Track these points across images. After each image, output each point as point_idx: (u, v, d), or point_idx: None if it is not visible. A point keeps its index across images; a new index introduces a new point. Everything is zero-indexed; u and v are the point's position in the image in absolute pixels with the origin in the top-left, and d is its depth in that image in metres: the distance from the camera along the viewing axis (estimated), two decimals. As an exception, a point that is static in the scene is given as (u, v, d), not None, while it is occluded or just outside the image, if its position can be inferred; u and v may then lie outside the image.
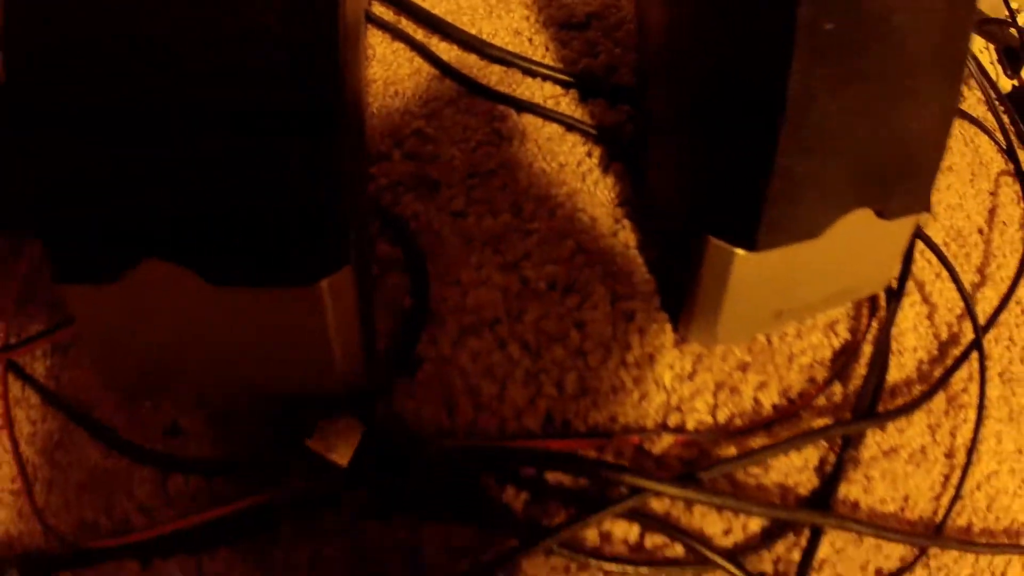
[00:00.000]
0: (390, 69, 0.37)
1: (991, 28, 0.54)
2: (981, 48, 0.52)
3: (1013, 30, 0.51)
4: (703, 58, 0.27)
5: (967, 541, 0.30)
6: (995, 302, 0.36)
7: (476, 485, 0.26)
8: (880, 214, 0.26)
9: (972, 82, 0.48)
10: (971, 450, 0.31)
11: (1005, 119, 0.48)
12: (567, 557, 0.25)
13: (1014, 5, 0.54)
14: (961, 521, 0.31)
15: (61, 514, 0.26)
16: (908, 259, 0.34)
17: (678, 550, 0.27)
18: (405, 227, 0.31)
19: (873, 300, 0.33)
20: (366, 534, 0.25)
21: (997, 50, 0.53)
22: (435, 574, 0.25)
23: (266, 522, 0.25)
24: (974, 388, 0.33)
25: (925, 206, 0.27)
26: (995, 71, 0.52)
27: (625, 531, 0.26)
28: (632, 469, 0.27)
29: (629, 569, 0.25)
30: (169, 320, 0.22)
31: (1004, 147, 0.47)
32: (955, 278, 0.34)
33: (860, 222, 0.26)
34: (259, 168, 0.20)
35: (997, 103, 0.49)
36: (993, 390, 0.34)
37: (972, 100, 0.47)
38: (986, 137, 0.46)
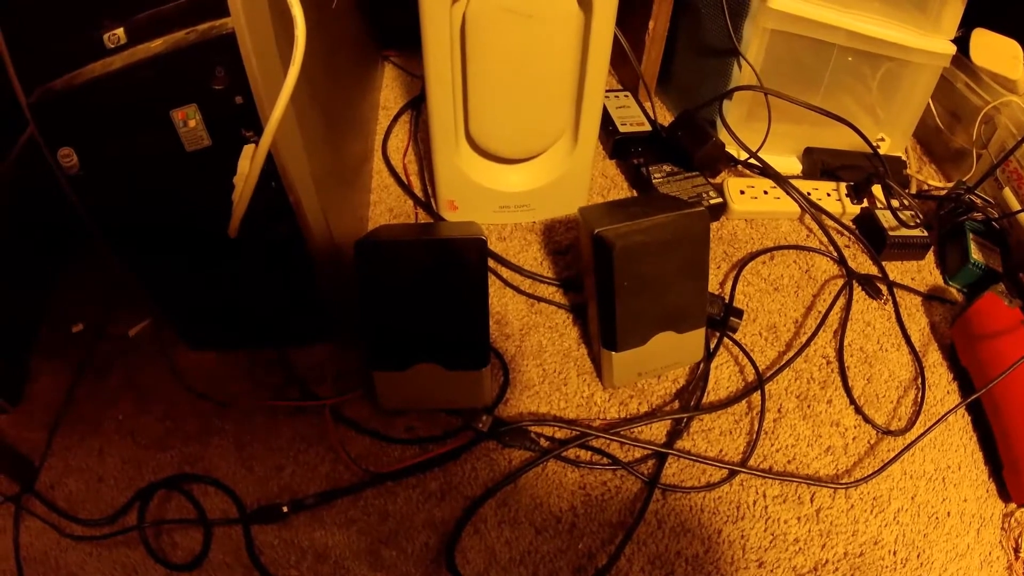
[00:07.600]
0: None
1: (838, 173, 0.86)
2: (830, 190, 0.84)
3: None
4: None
5: (761, 470, 0.65)
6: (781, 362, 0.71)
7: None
8: (677, 332, 0.63)
9: (812, 223, 0.82)
10: (759, 428, 0.67)
11: (839, 240, 0.81)
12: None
13: (875, 142, 0.86)
14: (764, 464, 0.66)
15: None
16: (718, 346, 0.70)
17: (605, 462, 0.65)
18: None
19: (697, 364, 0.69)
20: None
21: (847, 187, 0.85)
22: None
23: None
24: (771, 404, 0.68)
25: (701, 325, 0.64)
26: (842, 205, 0.84)
27: (577, 452, 0.65)
28: (585, 425, 0.66)
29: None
30: (421, 384, 0.64)
31: (835, 258, 0.80)
32: (746, 353, 0.70)
33: (667, 335, 0.63)
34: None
35: (839, 227, 0.82)
36: (790, 402, 0.69)
37: (814, 236, 0.81)
38: (822, 257, 0.79)
